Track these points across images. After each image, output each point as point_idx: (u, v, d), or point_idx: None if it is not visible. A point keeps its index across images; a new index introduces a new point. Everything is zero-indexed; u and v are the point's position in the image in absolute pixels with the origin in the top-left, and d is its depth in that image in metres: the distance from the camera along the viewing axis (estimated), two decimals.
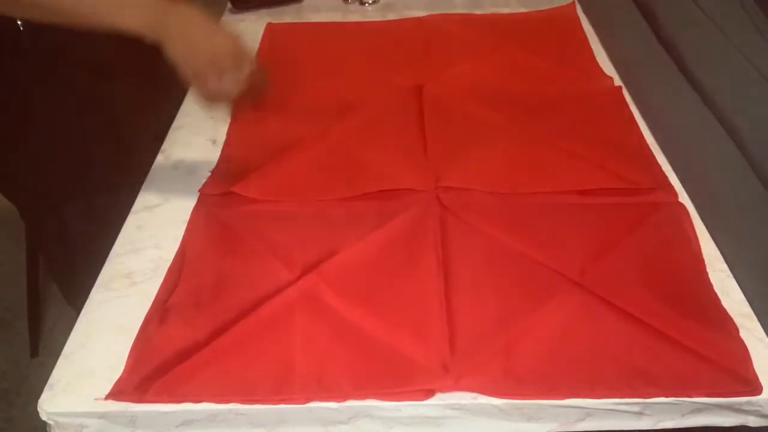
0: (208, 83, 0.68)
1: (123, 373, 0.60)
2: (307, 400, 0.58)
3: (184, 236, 0.75)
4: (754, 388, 0.58)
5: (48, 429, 0.60)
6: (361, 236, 0.73)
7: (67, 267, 0.96)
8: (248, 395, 0.58)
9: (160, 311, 0.65)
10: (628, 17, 1.11)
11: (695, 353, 0.60)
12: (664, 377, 0.59)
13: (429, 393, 0.58)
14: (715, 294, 0.66)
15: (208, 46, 0.67)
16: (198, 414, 0.58)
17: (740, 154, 0.77)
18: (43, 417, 0.58)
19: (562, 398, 0.58)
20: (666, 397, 0.58)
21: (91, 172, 0.83)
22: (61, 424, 0.59)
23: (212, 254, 0.72)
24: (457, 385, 0.58)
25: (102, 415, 0.58)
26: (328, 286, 0.67)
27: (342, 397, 0.58)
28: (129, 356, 0.61)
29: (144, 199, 0.81)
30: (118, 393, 0.58)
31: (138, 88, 0.85)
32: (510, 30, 1.15)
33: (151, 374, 0.59)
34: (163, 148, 0.89)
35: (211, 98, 0.71)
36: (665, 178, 0.81)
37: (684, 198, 0.79)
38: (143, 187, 0.83)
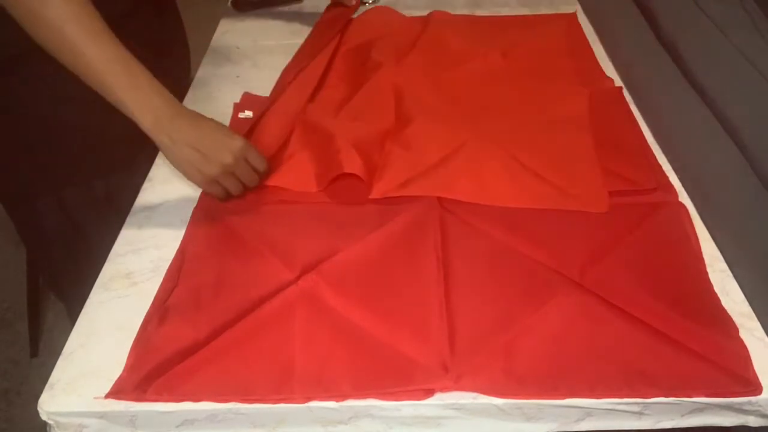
0: (219, 187, 0.73)
1: (123, 372, 0.60)
2: (307, 399, 0.58)
3: (184, 236, 0.75)
4: (754, 388, 0.58)
5: (48, 429, 0.60)
6: (362, 236, 0.73)
7: (46, 260, 0.96)
8: (248, 394, 0.58)
9: (160, 311, 0.65)
10: (628, 17, 1.11)
11: (695, 353, 0.60)
12: (663, 377, 0.59)
13: (429, 393, 0.58)
14: (715, 294, 0.66)
15: (219, 155, 0.70)
16: (198, 414, 0.58)
17: (740, 154, 0.77)
18: (43, 417, 0.58)
19: (562, 398, 0.58)
20: (666, 397, 0.58)
21: (62, 166, 0.83)
22: (61, 424, 0.59)
23: (212, 254, 0.72)
24: (456, 385, 0.58)
25: (102, 415, 0.58)
26: (328, 285, 0.67)
27: (342, 396, 0.58)
28: (129, 355, 0.61)
29: (144, 199, 0.81)
30: (117, 392, 0.58)
31: None
32: (511, 31, 1.15)
33: (151, 373, 0.59)
34: None
35: (222, 196, 0.75)
36: (666, 178, 0.81)
37: (684, 198, 0.79)
38: (143, 187, 0.83)
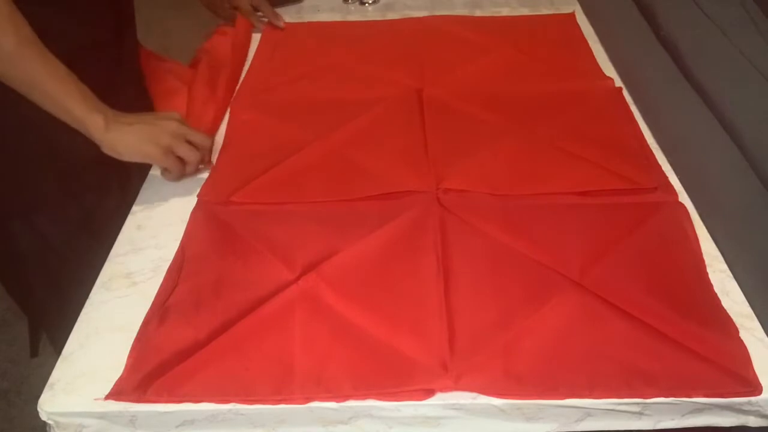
0: (174, 158, 0.78)
1: (123, 372, 0.60)
2: (307, 400, 0.58)
3: (183, 235, 0.75)
4: (754, 388, 0.58)
5: (48, 429, 0.60)
6: (362, 236, 0.73)
7: (23, 286, 0.94)
8: (248, 395, 0.58)
9: (160, 311, 0.65)
10: (628, 17, 1.11)
11: (695, 354, 0.60)
12: (663, 377, 0.59)
13: (429, 393, 0.58)
14: (715, 294, 0.66)
15: (164, 123, 0.77)
16: (198, 414, 0.58)
17: (740, 154, 0.77)
18: (43, 417, 0.58)
19: (562, 398, 0.58)
20: (665, 397, 0.58)
21: (32, 190, 0.83)
22: (61, 424, 0.59)
23: (212, 254, 0.72)
24: (456, 385, 0.58)
25: (102, 415, 0.58)
26: (328, 285, 0.67)
27: (342, 396, 0.58)
28: (129, 356, 0.61)
29: (144, 199, 0.81)
30: (118, 393, 0.58)
31: None
32: (510, 32, 1.15)
33: (151, 374, 0.59)
34: None
35: (179, 170, 0.80)
36: (665, 178, 0.81)
37: (684, 198, 0.79)
38: (143, 186, 0.83)
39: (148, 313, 0.65)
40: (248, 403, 0.58)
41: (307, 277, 0.68)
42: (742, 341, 0.62)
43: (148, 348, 0.62)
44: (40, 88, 0.69)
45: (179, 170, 0.80)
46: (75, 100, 0.70)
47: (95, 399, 0.58)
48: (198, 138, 0.80)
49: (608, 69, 1.04)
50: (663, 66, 0.96)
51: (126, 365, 0.60)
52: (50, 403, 0.58)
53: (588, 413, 0.59)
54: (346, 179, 0.82)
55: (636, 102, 0.96)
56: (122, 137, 0.73)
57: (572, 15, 1.20)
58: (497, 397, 0.58)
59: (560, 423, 0.60)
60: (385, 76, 1.03)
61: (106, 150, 0.74)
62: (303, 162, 0.85)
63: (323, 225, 0.75)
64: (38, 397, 0.58)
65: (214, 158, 0.87)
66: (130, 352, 0.62)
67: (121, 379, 0.59)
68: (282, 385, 0.59)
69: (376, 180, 0.81)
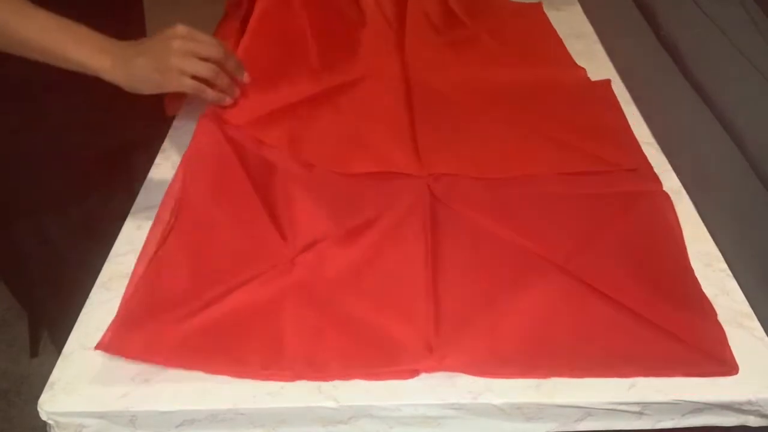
0: (190, 79, 0.70)
1: (112, 324, 0.61)
2: (295, 377, 0.59)
3: (182, 161, 0.75)
4: (731, 368, 0.59)
5: (48, 429, 0.60)
6: (355, 222, 0.74)
7: (26, 287, 0.95)
8: (237, 367, 0.59)
9: (153, 269, 0.66)
10: (628, 17, 1.11)
11: (673, 336, 0.62)
12: (643, 358, 0.60)
13: (413, 372, 0.60)
14: (696, 279, 0.68)
15: (166, 42, 0.69)
16: (198, 414, 0.58)
17: (740, 154, 0.77)
18: (43, 417, 0.58)
19: (544, 377, 0.59)
20: (644, 376, 0.59)
21: (37, 192, 0.82)
22: (61, 423, 0.59)
23: (212, 212, 0.72)
24: (441, 365, 0.59)
25: (102, 415, 0.58)
26: (320, 267, 0.68)
27: (329, 376, 0.59)
28: (119, 309, 0.62)
29: (144, 199, 0.81)
30: (107, 345, 0.59)
31: (84, 104, 0.80)
32: (486, 16, 1.16)
33: (143, 336, 0.60)
34: (162, 147, 0.89)
35: (201, 88, 0.72)
36: (646, 159, 0.83)
37: (684, 197, 0.79)
38: (143, 186, 0.83)
39: (139, 258, 0.67)
40: (236, 376, 0.59)
41: (300, 257, 0.69)
42: (719, 323, 0.63)
43: (140, 307, 0.62)
44: (33, 46, 0.65)
45: (206, 90, 0.73)
46: (71, 48, 0.66)
47: (96, 347, 0.59)
48: (205, 49, 0.70)
49: (608, 69, 1.04)
50: (663, 66, 0.96)
51: (116, 317, 0.61)
52: (50, 403, 0.58)
53: (588, 413, 0.59)
54: (342, 141, 0.84)
55: (636, 101, 0.96)
56: (131, 73, 0.68)
57: (539, 5, 1.21)
58: (480, 376, 0.59)
59: (560, 423, 0.60)
60: (373, 65, 1.02)
61: (127, 89, 0.69)
62: (303, 115, 0.86)
63: (319, 206, 0.75)
64: (38, 397, 0.58)
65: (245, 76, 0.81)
66: (121, 304, 0.63)
67: (110, 329, 0.60)
68: (271, 362, 0.60)
69: (370, 151, 0.83)
